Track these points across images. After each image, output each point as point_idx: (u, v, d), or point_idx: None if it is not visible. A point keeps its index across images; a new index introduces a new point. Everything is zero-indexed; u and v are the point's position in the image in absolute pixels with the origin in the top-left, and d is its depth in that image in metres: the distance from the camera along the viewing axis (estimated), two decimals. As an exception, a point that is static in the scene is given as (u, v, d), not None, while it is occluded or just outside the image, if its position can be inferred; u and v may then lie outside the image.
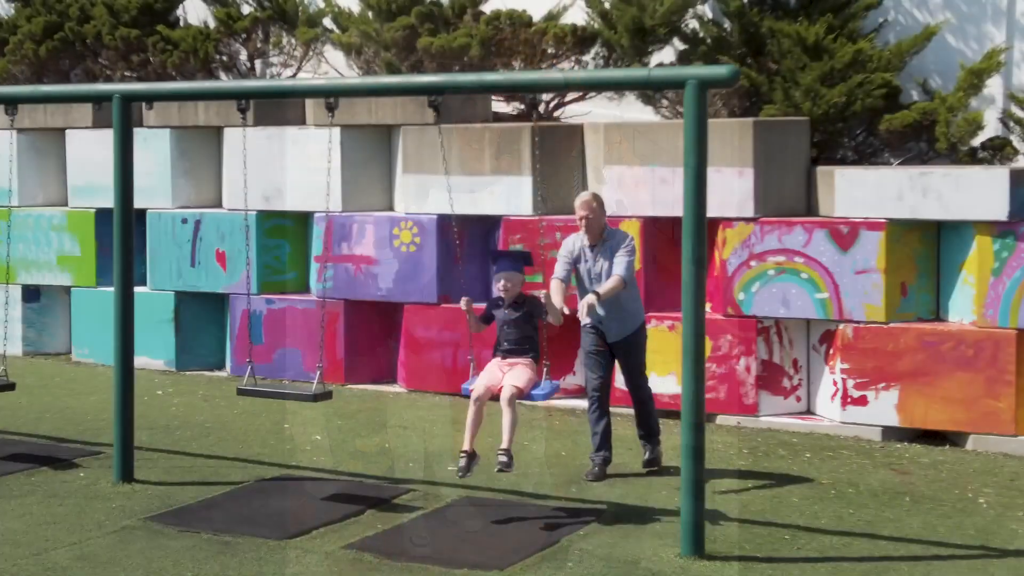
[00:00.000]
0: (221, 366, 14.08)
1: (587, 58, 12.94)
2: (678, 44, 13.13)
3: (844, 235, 11.48)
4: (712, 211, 11.67)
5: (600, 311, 9.51)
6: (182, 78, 14.58)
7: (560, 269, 9.76)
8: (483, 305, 9.40)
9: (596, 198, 9.68)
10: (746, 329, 11.75)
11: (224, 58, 14.40)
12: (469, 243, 13.00)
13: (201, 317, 14.01)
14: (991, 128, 12.36)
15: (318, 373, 8.92)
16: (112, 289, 9.04)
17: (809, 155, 12.00)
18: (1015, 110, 12.21)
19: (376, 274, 13.10)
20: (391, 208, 13.51)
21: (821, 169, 11.92)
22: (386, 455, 10.31)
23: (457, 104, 12.87)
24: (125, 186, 9.05)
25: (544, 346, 9.04)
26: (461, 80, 8.38)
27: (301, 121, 13.65)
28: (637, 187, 12.11)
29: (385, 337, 13.43)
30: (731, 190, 11.79)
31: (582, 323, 9.86)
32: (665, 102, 12.75)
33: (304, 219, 13.79)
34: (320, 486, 9.21)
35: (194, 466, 9.77)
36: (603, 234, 9.65)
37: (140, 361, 13.92)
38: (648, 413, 10.03)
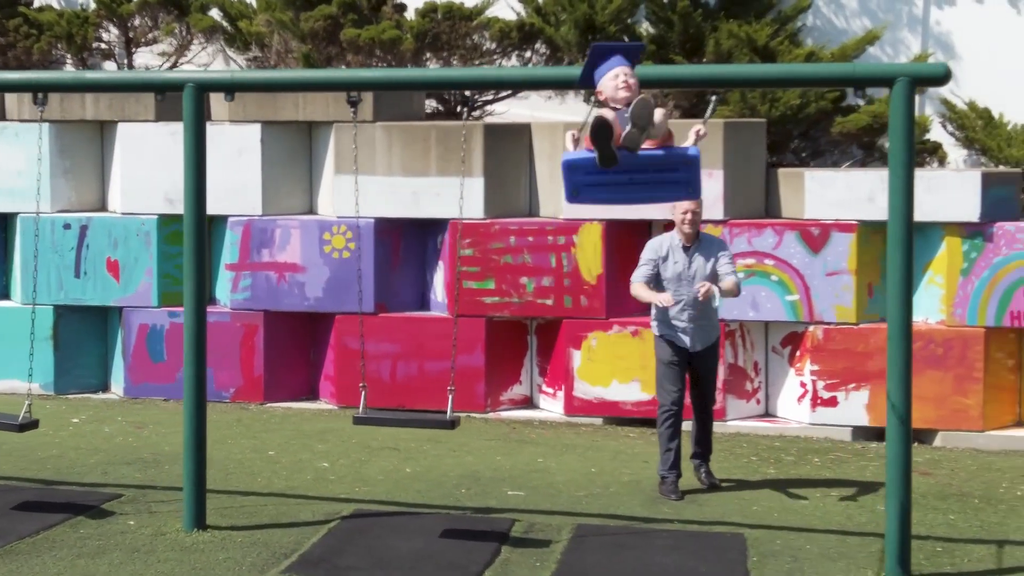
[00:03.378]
0: (105, 387, 12.34)
1: (530, 55, 12.10)
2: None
3: (815, 237, 11.23)
4: (681, 213, 11.22)
5: (685, 319, 8.92)
6: (47, 66, 12.66)
7: (642, 274, 9.00)
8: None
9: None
10: (715, 333, 11.27)
11: (103, 45, 12.58)
12: (406, 248, 11.93)
13: (82, 334, 12.23)
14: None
15: (451, 397, 7.79)
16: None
17: (766, 157, 11.66)
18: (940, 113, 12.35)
19: (303, 282, 11.80)
20: (312, 211, 12.21)
21: (786, 171, 11.61)
22: (424, 481, 9.21)
23: (392, 100, 11.76)
24: (198, 191, 7.62)
25: None
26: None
27: (207, 116, 12.09)
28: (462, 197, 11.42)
29: (305, 351, 12.14)
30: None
31: (657, 333, 9.13)
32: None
33: (209, 223, 12.25)
34: (417, 522, 8.07)
35: (243, 505, 8.38)
36: (699, 236, 8.98)
37: (9, 385, 12.11)
38: (710, 430, 9.40)
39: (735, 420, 11.39)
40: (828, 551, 7.76)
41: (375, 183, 11.62)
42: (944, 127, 12.30)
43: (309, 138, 12.11)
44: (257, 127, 11.77)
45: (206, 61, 13.06)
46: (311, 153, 12.14)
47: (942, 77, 7.09)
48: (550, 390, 11.74)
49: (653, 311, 9.16)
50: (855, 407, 11.24)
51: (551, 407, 11.72)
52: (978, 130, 11.96)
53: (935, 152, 12.02)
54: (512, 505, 8.61)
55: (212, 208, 11.83)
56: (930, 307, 11.32)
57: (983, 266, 11.09)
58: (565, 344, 11.51)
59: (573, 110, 12.44)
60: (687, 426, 9.30)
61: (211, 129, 11.79)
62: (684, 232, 9.01)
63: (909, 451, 7.28)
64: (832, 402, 11.28)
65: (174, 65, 12.88)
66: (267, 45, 12.08)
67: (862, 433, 11.31)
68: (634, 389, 11.41)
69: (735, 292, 8.85)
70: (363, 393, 7.86)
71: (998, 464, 10.45)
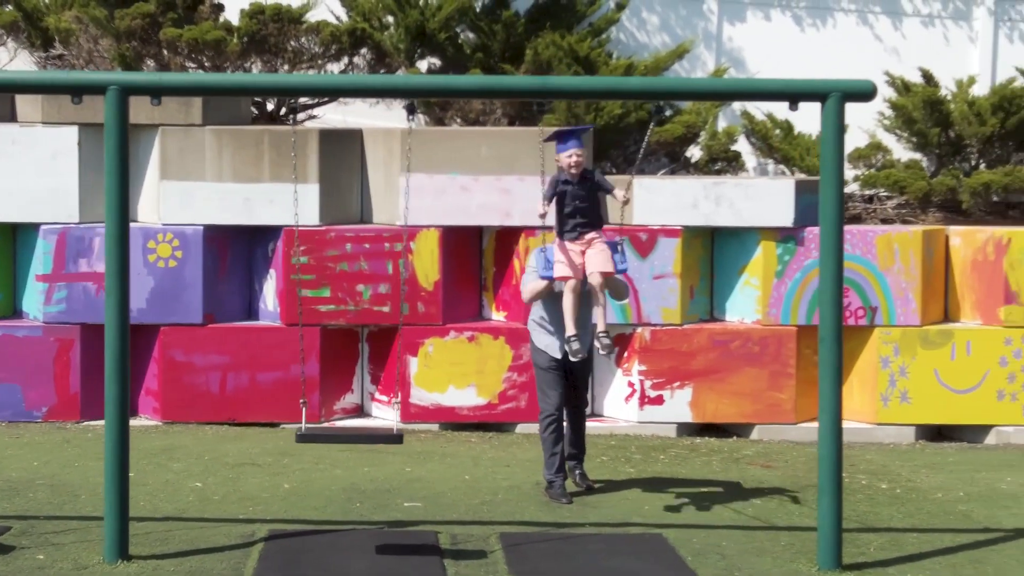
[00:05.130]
0: None
1: (356, 60, 11.77)
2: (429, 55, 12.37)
3: (643, 242, 11.46)
4: (515, 220, 11.33)
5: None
6: None
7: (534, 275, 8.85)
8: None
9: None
10: (548, 337, 11.33)
11: None
12: (233, 256, 11.43)
13: None
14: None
15: (397, 410, 7.49)
16: None
17: (593, 164, 11.79)
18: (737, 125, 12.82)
19: (124, 293, 11.08)
20: (132, 219, 11.45)
21: (614, 178, 11.66)
22: (311, 496, 8.84)
23: (219, 103, 11.21)
24: (121, 200, 7.05)
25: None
26: (570, 84, 7.37)
27: (10, 117, 11.22)
28: (437, 195, 11.27)
29: (123, 364, 11.40)
30: (536, 199, 11.24)
31: (535, 342, 9.03)
32: (437, 110, 11.93)
33: (11, 232, 11.39)
34: (345, 540, 7.72)
35: (148, 532, 7.78)
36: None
37: None
38: (584, 431, 9.43)
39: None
40: (745, 547, 7.92)
41: (204, 189, 11.08)
42: (747, 138, 12.79)
43: (128, 142, 11.35)
44: (74, 129, 10.99)
45: (3, 59, 12.07)
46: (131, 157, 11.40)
47: (870, 93, 7.37)
48: (384, 398, 11.50)
49: (531, 317, 9.09)
50: (679, 404, 11.52)
51: (385, 415, 11.47)
52: (778, 140, 12.48)
53: (736, 160, 12.48)
54: (419, 517, 8.38)
55: (21, 215, 11.17)
56: (747, 307, 11.73)
57: (795, 268, 11.58)
58: (401, 351, 11.30)
59: (400, 116, 12.21)
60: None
61: (20, 131, 11.05)
62: None
63: (840, 450, 7.54)
64: (659, 400, 11.52)
65: (-38, 63, 11.87)
66: (72, 43, 11.25)
67: (685, 429, 11.61)
68: (470, 394, 11.33)
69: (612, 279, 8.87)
70: (303, 409, 7.46)
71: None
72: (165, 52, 11.29)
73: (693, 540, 8.03)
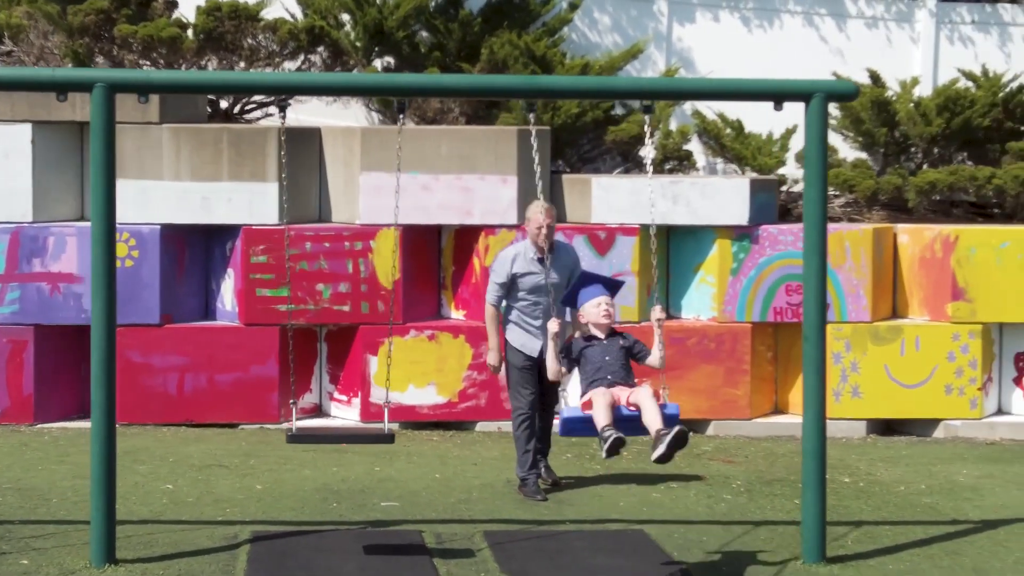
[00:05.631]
0: None
1: (314, 58, 11.65)
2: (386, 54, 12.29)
3: (602, 240, 11.50)
4: (475, 219, 11.33)
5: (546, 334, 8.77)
6: None
7: (496, 294, 8.86)
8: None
9: (553, 206, 8.99)
10: (507, 335, 11.33)
11: None
12: (190, 256, 11.29)
13: None
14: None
15: (386, 411, 7.43)
16: None
17: (550, 163, 11.82)
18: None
19: (80, 294, 10.91)
20: (84, 217, 11.29)
21: (571, 177, 11.80)
22: (286, 497, 8.76)
23: (177, 101, 11.05)
24: (108, 199, 6.92)
25: None
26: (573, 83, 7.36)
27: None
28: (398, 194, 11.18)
29: (77, 366, 11.22)
30: (496, 197, 11.33)
31: (509, 340, 9.03)
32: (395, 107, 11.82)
33: (-39, 231, 11.14)
34: (330, 540, 7.65)
35: (129, 536, 7.63)
36: (554, 246, 8.89)
37: None
38: (551, 428, 9.44)
39: (526, 419, 11.45)
40: (726, 541, 7.98)
41: (161, 188, 10.93)
42: (699, 137, 12.88)
43: (81, 140, 11.19)
44: (27, 127, 10.78)
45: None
46: (82, 156, 11.23)
47: (853, 94, 7.48)
48: (343, 397, 11.42)
49: (507, 316, 9.10)
50: (637, 402, 11.53)
51: (345, 414, 11.40)
52: (729, 139, 12.58)
53: (687, 159, 12.56)
54: (398, 517, 8.34)
55: (-29, 214, 10.88)
56: (702, 305, 11.81)
57: (750, 266, 11.69)
58: (361, 350, 11.23)
59: (355, 115, 12.15)
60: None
61: (-28, 128, 10.78)
62: (539, 245, 8.91)
63: (824, 445, 7.60)
64: (617, 398, 11.53)
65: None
66: (23, 40, 11.02)
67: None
68: (430, 393, 11.30)
69: None
70: (293, 410, 7.38)
71: (778, 449, 11.06)
72: (117, 49, 11.09)
73: (674, 536, 8.07)
